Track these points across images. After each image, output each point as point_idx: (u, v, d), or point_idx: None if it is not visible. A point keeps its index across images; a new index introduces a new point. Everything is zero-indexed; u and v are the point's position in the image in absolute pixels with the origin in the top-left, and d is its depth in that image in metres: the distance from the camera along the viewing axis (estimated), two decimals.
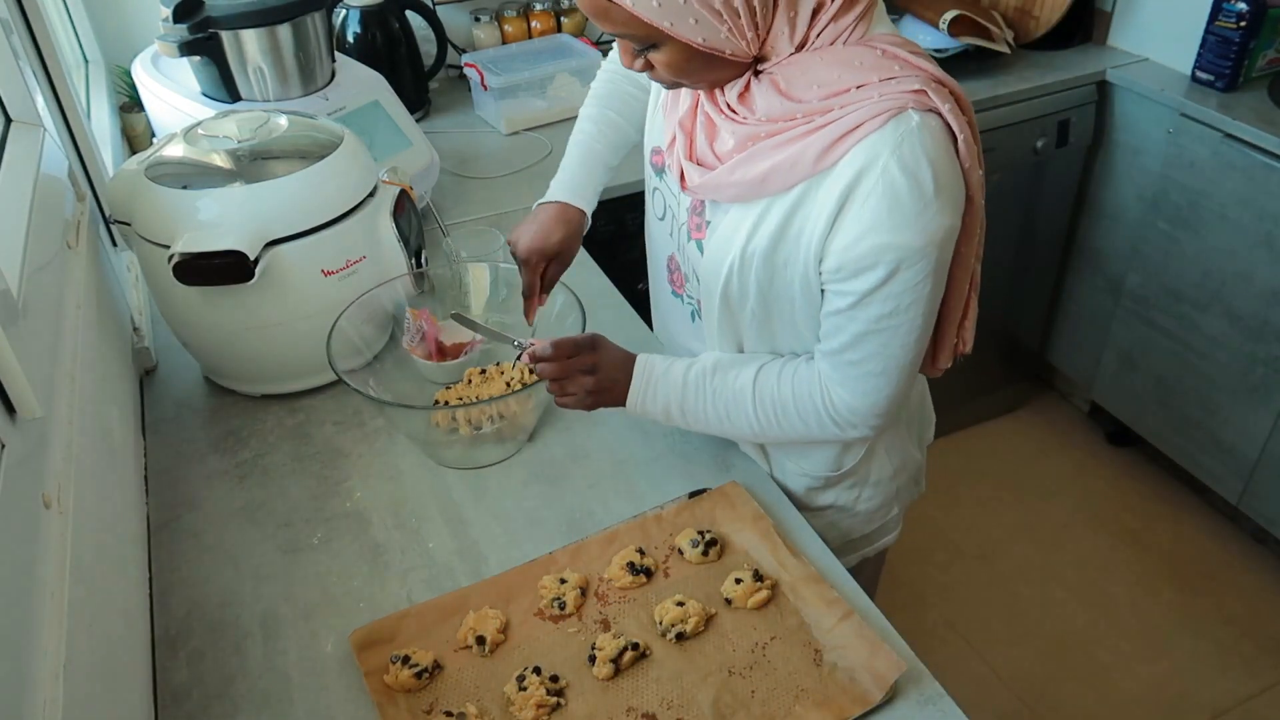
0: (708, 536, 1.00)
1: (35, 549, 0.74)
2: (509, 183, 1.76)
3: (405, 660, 0.89)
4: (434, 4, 1.98)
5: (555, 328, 1.16)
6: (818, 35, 0.83)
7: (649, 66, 0.87)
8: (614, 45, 1.12)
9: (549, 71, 1.92)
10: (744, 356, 1.02)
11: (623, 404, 1.02)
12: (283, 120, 1.21)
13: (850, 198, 0.83)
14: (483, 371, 1.19)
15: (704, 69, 0.85)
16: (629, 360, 1.02)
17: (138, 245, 1.15)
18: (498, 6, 2.13)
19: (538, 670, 0.89)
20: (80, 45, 1.81)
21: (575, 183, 1.19)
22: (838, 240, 0.85)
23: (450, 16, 2.08)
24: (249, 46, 1.44)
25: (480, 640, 0.92)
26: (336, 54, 1.60)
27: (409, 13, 1.90)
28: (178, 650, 0.95)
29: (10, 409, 0.76)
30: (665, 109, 1.02)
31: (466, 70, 1.94)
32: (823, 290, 0.91)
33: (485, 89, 1.89)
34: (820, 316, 0.93)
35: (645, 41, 0.83)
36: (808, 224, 0.87)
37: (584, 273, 1.49)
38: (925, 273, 0.86)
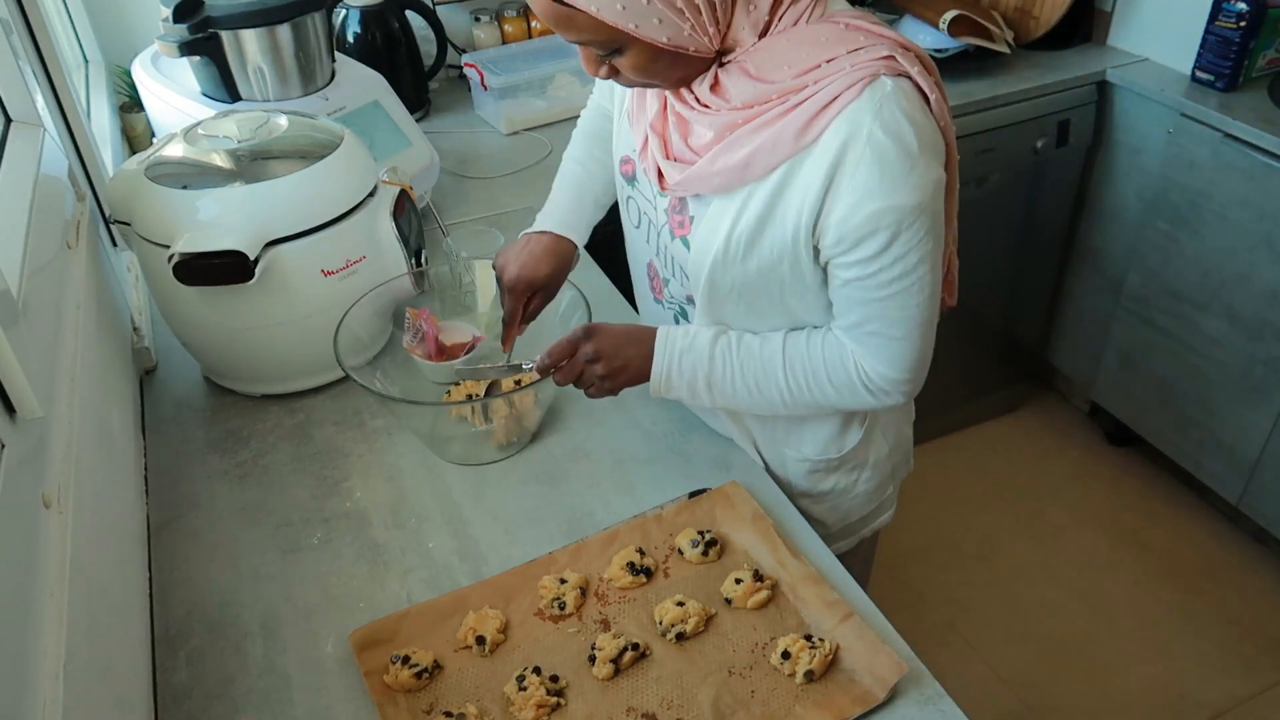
0: (708, 536, 1.00)
1: (35, 549, 0.74)
2: (509, 183, 1.76)
3: (405, 660, 0.89)
4: (434, 4, 1.98)
5: (560, 326, 1.16)
6: (779, 20, 0.85)
7: (614, 72, 0.88)
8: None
9: (549, 71, 1.92)
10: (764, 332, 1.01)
11: (645, 379, 1.02)
12: (283, 120, 1.21)
13: (839, 169, 0.84)
14: None
15: (670, 67, 0.86)
16: (638, 334, 1.01)
17: (138, 245, 1.15)
18: (498, 6, 2.13)
19: (538, 670, 0.89)
20: (80, 45, 1.81)
21: (565, 215, 1.19)
22: (834, 213, 0.86)
23: (450, 16, 2.08)
24: (249, 46, 1.44)
25: (480, 640, 0.92)
26: (336, 54, 1.60)
27: (409, 13, 1.90)
28: (178, 650, 0.95)
29: (10, 409, 0.76)
30: (631, 117, 1.02)
31: (466, 70, 1.94)
32: (824, 269, 0.92)
33: (485, 89, 1.89)
34: (831, 295, 0.94)
35: (609, 46, 0.84)
36: (794, 202, 0.88)
37: (584, 273, 1.49)
38: (925, 229, 0.87)
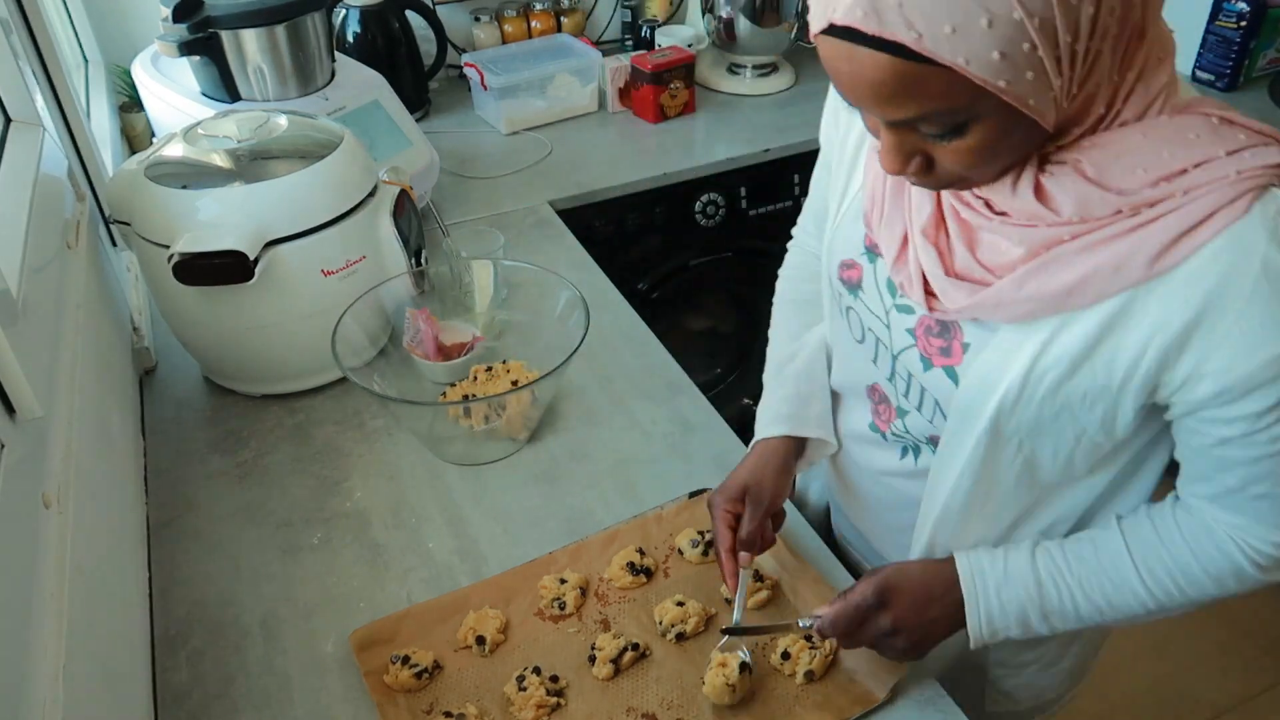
0: (708, 536, 1.00)
1: (35, 549, 0.74)
2: (509, 183, 1.76)
3: (405, 660, 0.89)
4: (434, 4, 1.98)
5: (558, 327, 1.16)
6: (1124, 101, 0.66)
7: (928, 166, 0.69)
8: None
9: (549, 71, 1.92)
10: (1088, 530, 0.83)
11: (957, 630, 0.84)
12: (282, 120, 1.21)
13: (1217, 306, 0.65)
14: (489, 369, 1.19)
15: (1013, 148, 0.67)
16: (935, 581, 0.83)
17: (138, 245, 1.15)
18: (498, 6, 2.13)
19: (538, 670, 0.89)
20: (80, 45, 1.81)
21: (781, 410, 0.97)
22: (1213, 361, 0.67)
23: (450, 16, 2.08)
24: (249, 46, 1.44)
25: (480, 640, 0.92)
26: (336, 54, 1.60)
27: (409, 13, 1.90)
28: (178, 650, 0.95)
29: (10, 409, 0.76)
30: (870, 214, 0.83)
31: (466, 70, 1.94)
32: (1169, 418, 0.74)
33: (485, 89, 1.90)
34: (1187, 455, 0.76)
35: (955, 120, 0.63)
36: (1131, 341, 0.69)
37: (584, 273, 1.49)
38: None
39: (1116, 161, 0.66)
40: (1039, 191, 0.69)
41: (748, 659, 0.86)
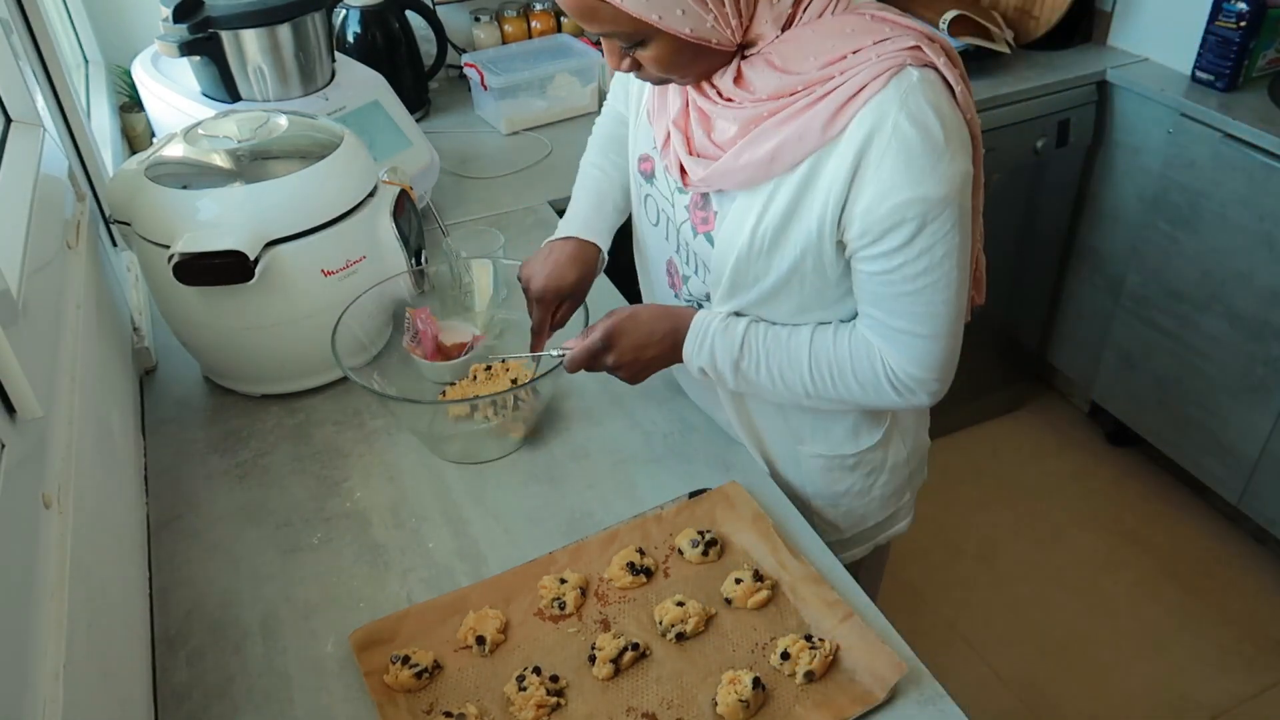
0: (708, 536, 1.00)
1: (35, 549, 0.74)
2: (509, 183, 1.76)
3: (405, 660, 0.89)
4: (434, 4, 1.98)
5: (556, 327, 1.16)
6: (803, 12, 0.85)
7: (636, 65, 0.88)
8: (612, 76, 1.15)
9: (549, 71, 1.92)
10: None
11: (671, 364, 1.04)
12: (283, 120, 1.21)
13: (864, 160, 0.84)
14: (488, 368, 1.19)
15: (692, 60, 0.86)
16: (664, 324, 1.01)
17: (138, 245, 1.15)
18: (498, 6, 2.13)
19: (538, 670, 0.88)
20: (80, 45, 1.81)
21: (587, 220, 1.17)
22: (859, 204, 0.85)
23: (450, 16, 2.08)
24: (249, 46, 1.44)
25: (480, 640, 0.92)
26: (336, 54, 1.60)
27: (409, 13, 1.90)
28: (178, 650, 0.95)
29: (10, 409, 0.76)
30: (651, 115, 1.02)
31: (466, 70, 1.94)
32: (847, 263, 0.92)
33: (485, 89, 1.90)
34: (856, 291, 0.94)
35: (633, 39, 0.84)
36: (819, 195, 0.87)
37: None
38: (952, 221, 0.86)
39: (795, 52, 0.85)
40: (739, 78, 0.88)
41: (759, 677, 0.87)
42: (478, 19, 2.10)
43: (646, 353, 1.02)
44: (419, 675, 0.88)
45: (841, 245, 0.90)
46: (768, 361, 0.99)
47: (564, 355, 1.02)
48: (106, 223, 1.33)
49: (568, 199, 1.70)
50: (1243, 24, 1.87)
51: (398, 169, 1.28)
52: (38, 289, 0.91)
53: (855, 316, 0.97)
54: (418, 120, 1.83)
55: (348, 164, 1.17)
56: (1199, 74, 1.98)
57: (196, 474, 1.15)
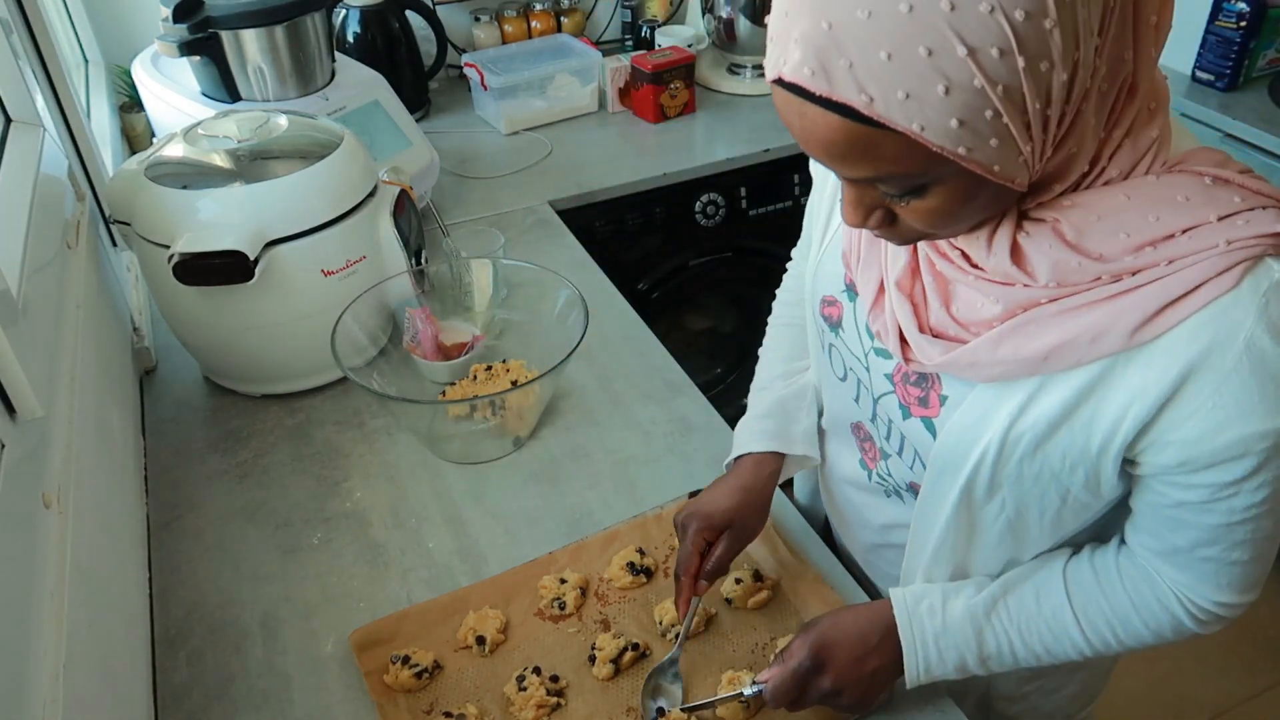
0: None
1: (35, 549, 0.74)
2: (509, 183, 1.76)
3: (405, 660, 0.89)
4: (434, 4, 1.98)
5: (557, 326, 1.16)
6: (1109, 159, 0.63)
7: (888, 218, 0.65)
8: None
9: (549, 71, 1.92)
10: (1026, 565, 0.81)
11: (900, 674, 0.82)
12: (283, 120, 1.21)
13: (1195, 380, 0.63)
14: (488, 368, 1.19)
15: (978, 211, 0.64)
16: (870, 631, 0.81)
17: (138, 245, 1.15)
18: (498, 6, 2.13)
19: (538, 670, 0.88)
20: (80, 45, 1.81)
21: (765, 426, 0.94)
22: (1181, 430, 0.65)
23: (450, 16, 2.08)
24: (249, 46, 1.44)
25: (480, 640, 0.92)
26: (336, 54, 1.60)
27: (409, 13, 1.90)
28: (178, 650, 0.95)
29: (10, 409, 0.76)
30: (852, 257, 0.80)
31: (466, 70, 1.94)
32: (1131, 473, 0.71)
33: (485, 89, 1.90)
34: (1140, 505, 0.74)
35: (913, 183, 0.60)
36: (1110, 408, 0.67)
37: (584, 273, 1.49)
38: None
39: (1098, 224, 0.63)
40: (1015, 252, 0.66)
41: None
42: (478, 19, 2.10)
43: (868, 665, 0.80)
44: (419, 675, 0.88)
45: (1130, 462, 0.70)
46: (1024, 641, 0.79)
47: (761, 687, 0.81)
48: (106, 223, 1.33)
49: (567, 199, 1.71)
50: (1243, 24, 1.87)
51: (398, 169, 1.28)
52: (38, 289, 0.91)
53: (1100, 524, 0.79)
54: (418, 120, 1.83)
55: (348, 164, 1.17)
56: (1199, 74, 1.98)
57: (196, 474, 1.15)
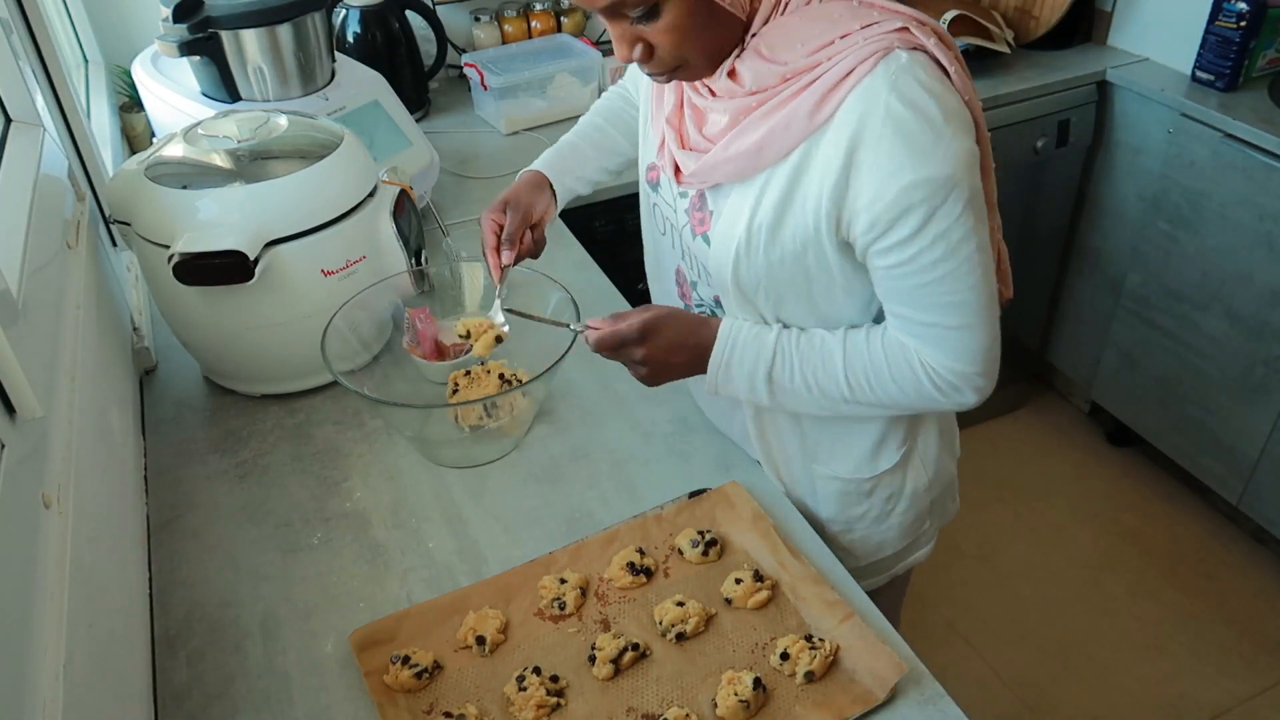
0: (708, 536, 1.00)
1: (35, 549, 0.74)
2: (509, 182, 1.74)
3: (405, 660, 0.89)
4: (434, 4, 1.98)
5: (550, 329, 1.15)
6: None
7: (648, 51, 0.84)
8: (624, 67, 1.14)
9: (549, 71, 1.92)
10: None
11: (696, 373, 0.98)
12: (283, 120, 1.21)
13: (858, 148, 0.81)
14: (467, 373, 1.18)
15: (704, 29, 0.82)
16: (696, 333, 0.96)
17: (138, 245, 1.15)
18: (498, 6, 2.13)
19: (538, 670, 0.88)
20: (80, 45, 1.81)
21: (550, 161, 1.18)
22: (862, 196, 0.82)
23: (450, 16, 2.08)
24: (249, 46, 1.44)
25: (480, 640, 0.92)
26: (336, 54, 1.60)
27: (409, 13, 1.90)
28: (178, 650, 0.95)
29: (10, 409, 0.76)
30: (651, 120, 1.01)
31: (466, 70, 1.94)
32: (858, 261, 0.88)
33: (485, 89, 1.90)
34: (878, 292, 0.90)
35: (649, 3, 0.79)
36: (813, 186, 0.84)
37: (584, 272, 1.49)
38: (962, 202, 0.82)
39: (782, 40, 0.83)
40: (732, 74, 0.86)
41: (759, 677, 0.87)
42: (478, 19, 2.10)
43: (676, 357, 0.97)
44: (419, 675, 0.88)
45: (849, 246, 0.87)
46: (802, 368, 0.94)
47: (586, 330, 0.97)
48: (106, 223, 1.33)
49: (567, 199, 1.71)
50: (1243, 24, 1.87)
51: (398, 169, 1.28)
52: (38, 289, 0.91)
53: (881, 320, 0.94)
54: (418, 120, 1.83)
55: (348, 164, 1.17)
56: (1199, 74, 1.99)
57: (196, 474, 1.15)
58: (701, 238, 0.97)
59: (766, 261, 0.90)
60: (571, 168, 1.19)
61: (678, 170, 0.95)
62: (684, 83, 0.92)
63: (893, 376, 0.92)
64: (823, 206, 0.84)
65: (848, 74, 0.81)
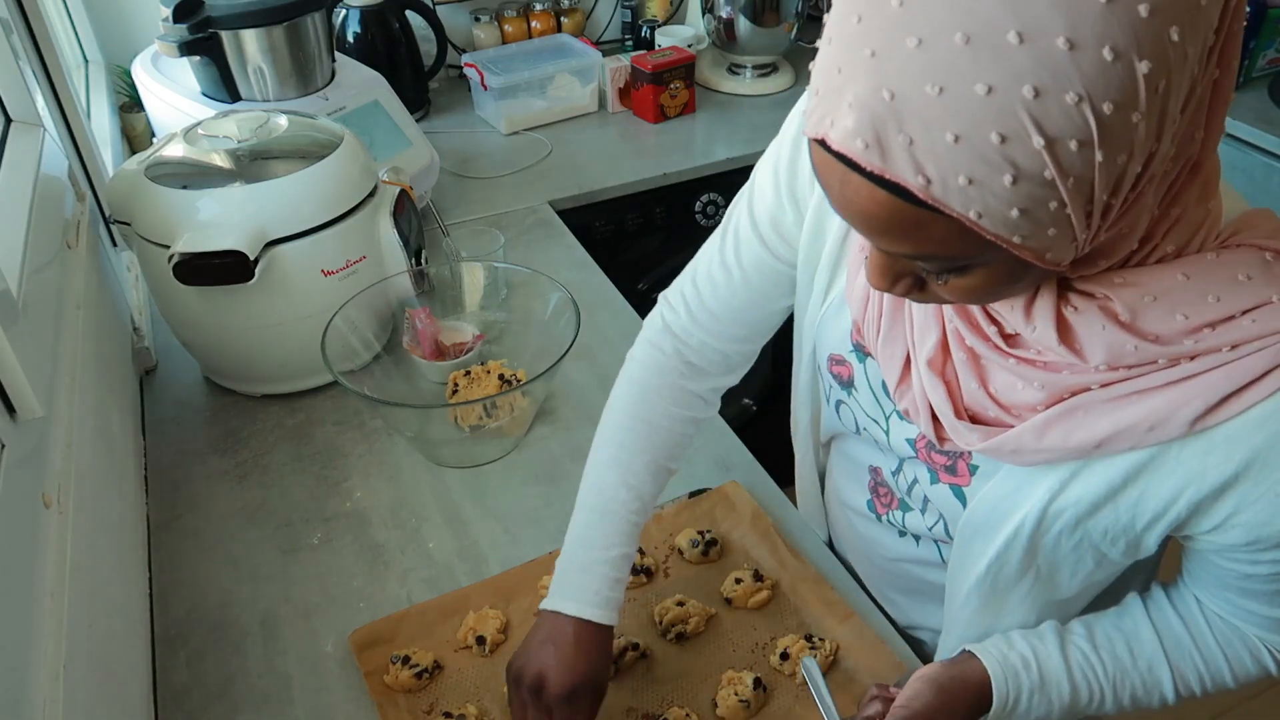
0: (708, 536, 1.00)
1: (35, 549, 0.74)
2: (509, 183, 1.76)
3: (405, 660, 0.89)
4: (434, 4, 1.98)
5: (549, 329, 1.16)
6: (1164, 235, 0.57)
7: (918, 290, 0.60)
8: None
9: (549, 71, 1.92)
10: (1104, 615, 0.79)
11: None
12: (283, 120, 1.21)
13: (1260, 465, 0.60)
14: (467, 373, 1.18)
15: (1015, 291, 0.59)
16: (962, 689, 0.75)
17: (138, 245, 1.15)
18: (498, 6, 2.13)
19: None
20: (80, 45, 1.81)
21: (594, 582, 0.82)
22: (1248, 514, 0.62)
23: (450, 16, 2.08)
24: (249, 46, 1.44)
25: (480, 640, 0.92)
26: (336, 54, 1.60)
27: (409, 13, 1.90)
28: (178, 650, 0.95)
29: (10, 409, 0.76)
30: (867, 323, 0.73)
31: (466, 70, 1.94)
32: (1184, 544, 0.70)
33: (485, 89, 1.90)
34: (1199, 573, 0.74)
35: (955, 264, 0.55)
36: (1161, 489, 0.63)
37: (584, 272, 1.49)
38: None
39: (1154, 304, 0.58)
40: (1063, 330, 0.60)
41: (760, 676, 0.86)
42: (478, 19, 2.10)
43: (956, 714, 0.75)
44: (419, 675, 0.88)
45: (1184, 535, 0.68)
46: (1115, 693, 0.76)
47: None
48: (106, 223, 1.33)
49: (567, 199, 1.71)
50: (1243, 24, 1.87)
51: (398, 169, 1.28)
52: (38, 289, 0.91)
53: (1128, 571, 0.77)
54: (418, 120, 1.83)
55: (348, 164, 1.17)
56: None
57: (196, 474, 1.15)
58: (950, 489, 0.75)
59: (1054, 545, 0.70)
60: (609, 572, 0.83)
61: (936, 423, 0.69)
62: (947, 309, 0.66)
63: (1232, 672, 0.76)
64: (1170, 513, 0.64)
65: (1263, 375, 0.58)
